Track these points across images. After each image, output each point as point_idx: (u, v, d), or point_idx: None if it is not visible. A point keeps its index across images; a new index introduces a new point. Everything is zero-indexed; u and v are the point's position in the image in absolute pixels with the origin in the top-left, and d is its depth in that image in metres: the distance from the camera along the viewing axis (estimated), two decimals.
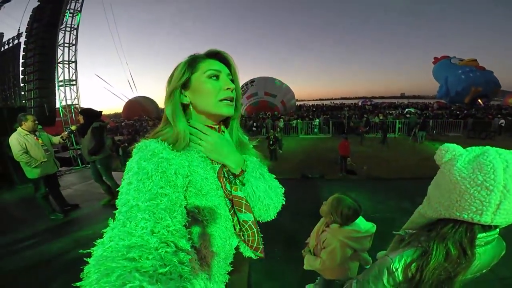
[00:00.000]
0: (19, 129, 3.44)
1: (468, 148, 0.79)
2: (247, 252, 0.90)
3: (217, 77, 0.77)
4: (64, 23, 9.10)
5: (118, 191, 0.60)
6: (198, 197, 0.73)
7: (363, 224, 1.46)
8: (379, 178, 6.73)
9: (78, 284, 0.39)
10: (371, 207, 3.68)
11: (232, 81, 0.81)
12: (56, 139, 3.82)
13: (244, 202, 0.78)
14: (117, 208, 0.57)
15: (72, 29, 9.36)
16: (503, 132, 15.43)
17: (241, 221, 0.80)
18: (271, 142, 11.27)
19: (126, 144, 15.22)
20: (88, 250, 0.46)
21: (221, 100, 0.77)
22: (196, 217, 0.74)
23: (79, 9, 9.35)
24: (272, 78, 29.74)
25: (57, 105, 9.01)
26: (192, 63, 0.77)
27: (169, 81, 0.78)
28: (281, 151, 12.22)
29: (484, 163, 0.68)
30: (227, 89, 0.77)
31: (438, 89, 32.55)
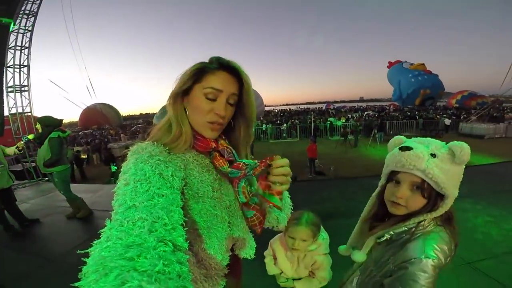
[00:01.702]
0: None
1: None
2: (243, 253, 0.93)
3: (215, 98, 0.73)
4: (17, 25, 8.28)
5: (113, 192, 0.60)
6: (195, 199, 0.74)
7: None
8: (346, 177, 7.15)
9: (76, 284, 0.38)
10: (343, 203, 3.93)
11: (233, 103, 0.78)
12: (11, 150, 3.50)
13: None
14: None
15: (26, 31, 8.53)
16: (450, 130, 17.21)
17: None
18: None
19: (86, 157, 14.25)
20: (85, 250, 0.45)
21: (208, 122, 0.74)
22: (193, 218, 0.74)
23: (35, 10, 8.58)
24: None
25: (6, 113, 8.03)
26: (200, 72, 0.73)
27: (176, 81, 0.75)
28: (252, 157, 12.29)
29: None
30: (217, 114, 0.73)
31: (393, 92, 35.23)
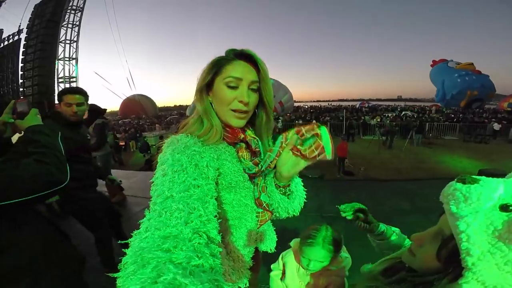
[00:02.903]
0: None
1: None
2: (263, 247, 0.95)
3: (236, 86, 0.76)
4: (66, 20, 9.01)
5: (151, 182, 0.62)
6: (228, 189, 0.77)
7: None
8: (377, 179, 6.89)
9: (115, 275, 0.40)
10: (371, 207, 3.79)
11: (256, 89, 0.80)
12: None
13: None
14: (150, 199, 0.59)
15: (74, 26, 9.25)
16: (498, 136, 15.68)
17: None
18: None
19: (124, 143, 15.24)
20: (126, 241, 0.47)
21: (233, 110, 0.77)
22: (225, 209, 0.78)
23: (81, 6, 9.26)
24: (270, 78, 29.77)
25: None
26: (218, 64, 0.77)
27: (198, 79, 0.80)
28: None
29: None
30: (240, 102, 0.76)
31: (436, 92, 32.88)
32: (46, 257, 1.06)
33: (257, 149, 0.84)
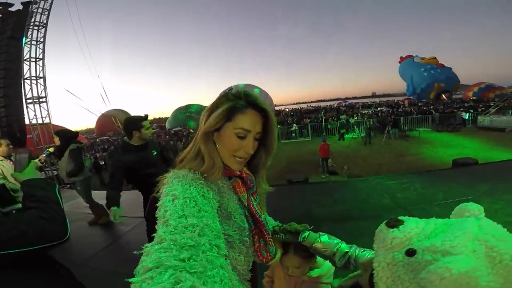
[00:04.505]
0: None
1: (427, 229, 0.60)
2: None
3: (244, 137, 0.80)
4: (30, 37, 8.57)
5: (156, 206, 0.66)
6: (227, 217, 0.82)
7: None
8: (358, 176, 7.07)
9: (130, 280, 0.41)
10: (356, 205, 3.88)
11: (258, 138, 0.86)
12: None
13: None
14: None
15: (39, 42, 8.81)
16: (468, 124, 16.63)
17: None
18: None
19: (103, 162, 14.68)
20: (139, 252, 0.49)
21: (235, 156, 0.82)
22: (227, 234, 0.81)
23: (45, 22, 8.86)
24: (249, 84, 30.10)
25: (26, 122, 8.42)
26: (232, 112, 0.79)
27: (207, 115, 0.81)
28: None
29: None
30: (246, 152, 0.82)
31: (406, 87, 34.68)
32: None
33: (251, 185, 0.90)
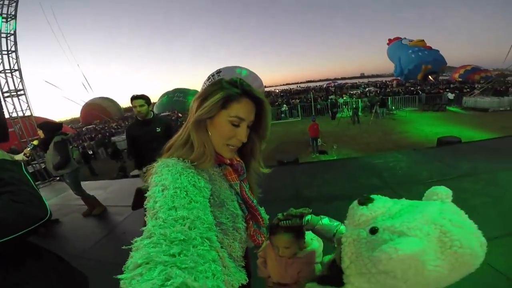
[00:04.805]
0: None
1: (415, 231, 0.55)
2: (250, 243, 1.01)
3: (238, 125, 0.80)
4: None
5: (145, 197, 0.63)
6: (219, 205, 0.81)
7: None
8: (348, 157, 7.20)
9: (120, 276, 0.40)
10: (345, 185, 3.97)
11: (250, 126, 0.85)
12: (19, 157, 3.48)
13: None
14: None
15: (9, 35, 8.48)
16: (452, 104, 17.01)
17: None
18: None
19: (91, 152, 14.36)
20: (128, 246, 0.48)
21: (227, 144, 0.81)
22: (220, 221, 0.81)
23: (13, 13, 8.44)
24: (238, 66, 29.46)
25: (6, 116, 8.28)
26: (227, 100, 0.77)
27: (200, 102, 0.79)
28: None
29: (462, 255, 0.52)
30: (239, 140, 0.81)
31: (394, 68, 35.12)
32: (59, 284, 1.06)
33: (242, 171, 0.90)
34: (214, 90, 0.78)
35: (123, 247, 0.50)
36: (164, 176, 0.66)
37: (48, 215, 0.98)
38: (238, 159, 0.90)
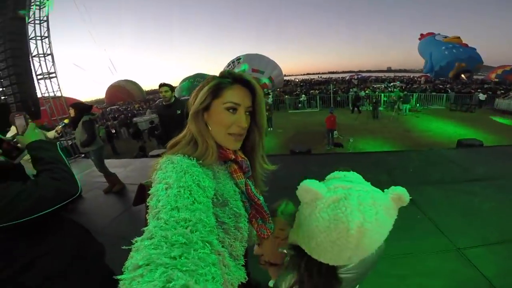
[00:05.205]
0: (12, 128, 3.19)
1: (332, 187, 0.73)
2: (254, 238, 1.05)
3: (235, 110, 0.79)
4: (32, 16, 8.75)
5: (149, 194, 0.64)
6: (222, 204, 0.81)
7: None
8: (362, 152, 7.11)
9: (119, 277, 0.40)
10: None
11: (249, 113, 0.85)
12: (51, 134, 3.72)
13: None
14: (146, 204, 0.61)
15: (42, 21, 8.99)
16: (484, 106, 16.05)
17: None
18: None
19: (114, 131, 15.05)
20: (128, 247, 0.48)
21: (230, 134, 0.80)
22: (222, 221, 0.81)
23: (44, 0, 8.96)
24: (258, 54, 29.17)
25: (39, 96, 9.05)
26: (217, 88, 0.78)
27: (194, 98, 0.81)
28: (271, 129, 12.43)
29: (339, 218, 0.66)
30: (238, 126, 0.80)
31: (424, 64, 33.39)
32: (80, 254, 1.18)
33: (247, 169, 0.88)
34: (206, 82, 0.81)
35: (123, 247, 0.50)
36: (169, 173, 0.66)
37: (79, 191, 1.11)
38: (243, 156, 0.88)
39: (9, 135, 2.59)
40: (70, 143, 7.87)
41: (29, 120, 1.52)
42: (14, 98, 8.46)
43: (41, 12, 8.88)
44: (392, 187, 0.72)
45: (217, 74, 0.84)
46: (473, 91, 18.27)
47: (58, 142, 1.28)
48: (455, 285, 2.04)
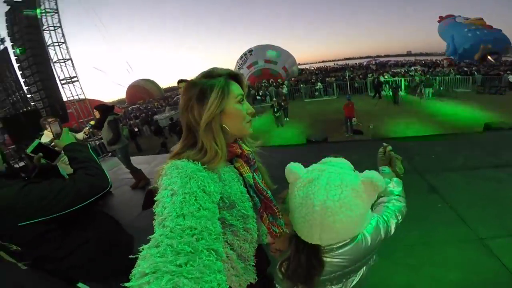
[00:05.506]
0: (46, 132, 3.30)
1: (311, 169, 0.84)
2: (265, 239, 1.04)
3: (242, 100, 0.83)
4: (46, 24, 9.15)
5: (155, 201, 0.64)
6: (229, 207, 0.81)
7: None
8: (381, 138, 6.93)
9: (127, 284, 0.41)
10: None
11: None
12: (80, 135, 3.87)
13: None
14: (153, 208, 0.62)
15: (56, 28, 9.38)
16: None
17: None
18: (275, 110, 11.45)
19: (137, 129, 15.66)
20: (135, 256, 0.48)
21: (247, 122, 0.85)
22: (230, 223, 0.82)
23: (55, 8, 9.30)
24: (270, 45, 28.79)
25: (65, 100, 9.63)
26: (226, 88, 0.79)
27: (200, 105, 0.77)
28: (287, 119, 12.35)
29: (308, 195, 0.76)
30: (251, 112, 0.85)
31: (446, 47, 31.63)
32: (113, 243, 1.37)
33: (253, 161, 0.90)
34: (204, 89, 0.78)
35: (130, 257, 0.51)
36: (174, 179, 0.66)
37: (110, 184, 1.25)
38: (248, 149, 0.90)
39: (43, 139, 2.73)
40: (97, 143, 8.27)
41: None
42: (43, 103, 9.01)
43: (53, 19, 9.28)
44: (366, 171, 0.78)
45: (206, 74, 0.84)
46: (502, 73, 17.09)
47: (89, 144, 1.50)
48: (473, 277, 1.96)
